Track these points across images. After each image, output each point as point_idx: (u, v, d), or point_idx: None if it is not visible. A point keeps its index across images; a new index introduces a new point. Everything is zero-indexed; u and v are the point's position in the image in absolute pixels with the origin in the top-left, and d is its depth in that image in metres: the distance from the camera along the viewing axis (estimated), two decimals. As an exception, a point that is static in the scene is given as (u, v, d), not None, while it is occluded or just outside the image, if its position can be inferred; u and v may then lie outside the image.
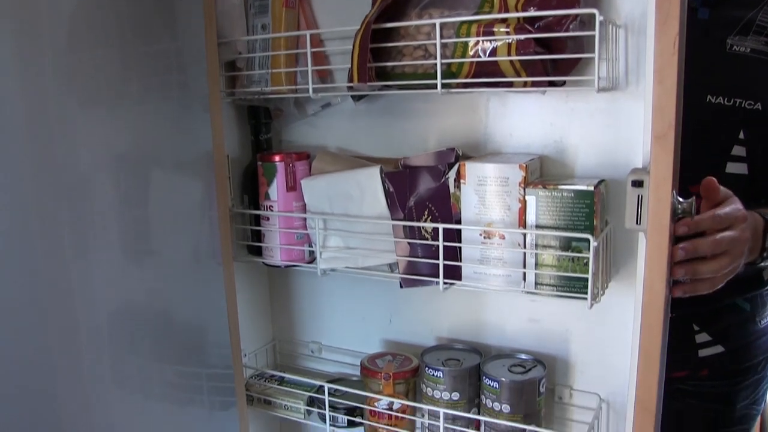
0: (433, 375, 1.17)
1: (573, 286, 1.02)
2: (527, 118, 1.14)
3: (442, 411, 1.15)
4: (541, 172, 1.11)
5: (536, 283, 1.05)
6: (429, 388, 1.18)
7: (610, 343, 1.15)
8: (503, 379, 1.11)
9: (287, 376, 1.36)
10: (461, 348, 1.24)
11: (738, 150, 1.24)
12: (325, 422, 1.28)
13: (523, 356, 1.19)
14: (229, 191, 1.22)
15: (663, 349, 0.98)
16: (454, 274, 1.10)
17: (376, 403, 1.22)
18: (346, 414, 1.27)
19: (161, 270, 1.07)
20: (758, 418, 1.46)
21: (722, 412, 1.41)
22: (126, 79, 0.98)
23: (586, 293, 1.00)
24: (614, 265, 1.11)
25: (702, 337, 1.37)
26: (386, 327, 1.35)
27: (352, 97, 1.23)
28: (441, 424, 1.16)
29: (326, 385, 1.25)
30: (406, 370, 1.22)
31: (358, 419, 1.27)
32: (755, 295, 1.37)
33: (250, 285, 1.41)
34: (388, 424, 1.23)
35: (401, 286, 1.15)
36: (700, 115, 1.20)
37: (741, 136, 1.23)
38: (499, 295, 1.23)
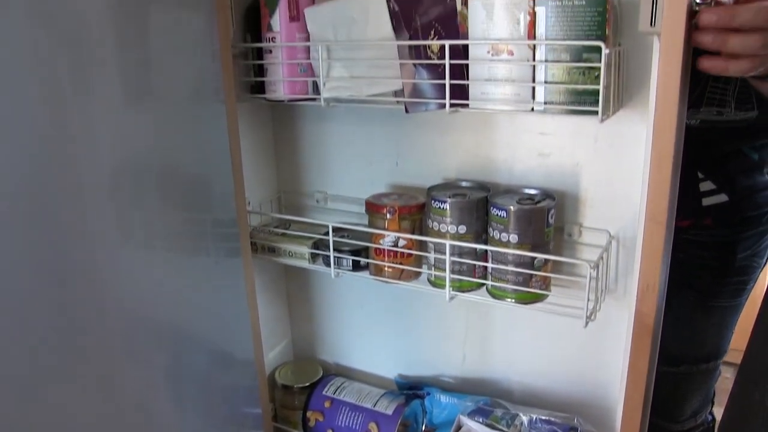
0: (439, 207, 1.14)
1: (584, 100, 0.98)
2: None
3: (448, 243, 1.12)
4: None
5: (545, 102, 1.01)
6: (435, 222, 1.15)
7: (622, 175, 1.12)
8: (511, 207, 1.08)
9: (293, 218, 1.34)
10: (469, 185, 1.21)
11: None
12: (329, 266, 1.26)
13: (532, 191, 1.15)
14: (232, 22, 1.17)
15: (677, 157, 0.94)
16: (461, 95, 1.06)
17: (381, 240, 1.19)
18: (351, 255, 1.25)
19: (162, 111, 1.02)
20: (759, 272, 1.45)
21: (723, 261, 1.40)
22: None
23: (597, 106, 0.96)
24: (626, 91, 1.07)
25: (706, 185, 1.34)
26: (393, 170, 1.32)
27: None
28: (447, 257, 1.13)
29: (330, 224, 1.22)
30: (411, 204, 1.19)
31: (363, 261, 1.25)
32: (765, 143, 1.33)
33: (253, 132, 1.38)
34: (393, 262, 1.20)
35: (407, 111, 1.11)
36: None
37: None
38: (507, 130, 1.19)
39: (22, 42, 0.79)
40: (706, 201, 1.35)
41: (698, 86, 1.21)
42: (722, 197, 1.34)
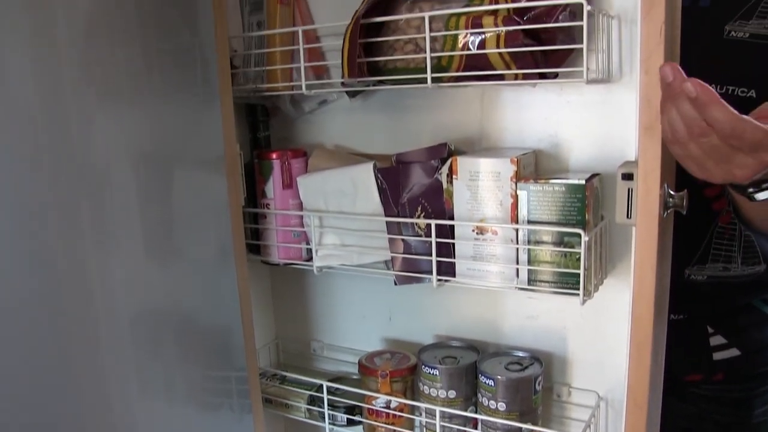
0: (430, 373, 1.16)
1: (566, 282, 1.01)
2: (522, 112, 1.12)
3: (438, 409, 1.14)
4: (535, 167, 1.10)
5: (529, 280, 1.04)
6: (426, 386, 1.17)
7: (608, 339, 1.13)
8: (499, 377, 1.10)
9: (289, 375, 1.36)
10: (459, 346, 1.23)
11: None
12: (325, 421, 1.28)
13: (521, 354, 1.17)
14: (243, 189, 1.21)
15: (657, 343, 0.96)
16: (448, 270, 1.09)
17: (373, 402, 1.21)
18: (345, 413, 1.27)
19: (176, 269, 1.05)
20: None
21: (739, 417, 1.34)
22: (144, 75, 0.97)
23: (578, 289, 0.98)
24: (610, 260, 1.10)
25: (716, 340, 1.31)
26: (386, 325, 1.35)
27: (348, 93, 1.22)
28: (437, 422, 1.14)
29: (325, 384, 1.25)
30: (403, 368, 1.21)
31: (357, 418, 1.26)
32: None
33: (252, 283, 1.40)
34: (386, 423, 1.22)
35: (395, 284, 1.14)
36: None
37: None
38: (496, 292, 1.21)
39: (46, 192, 0.83)
40: (717, 355, 1.31)
41: (702, 243, 1.22)
42: (734, 351, 1.30)
